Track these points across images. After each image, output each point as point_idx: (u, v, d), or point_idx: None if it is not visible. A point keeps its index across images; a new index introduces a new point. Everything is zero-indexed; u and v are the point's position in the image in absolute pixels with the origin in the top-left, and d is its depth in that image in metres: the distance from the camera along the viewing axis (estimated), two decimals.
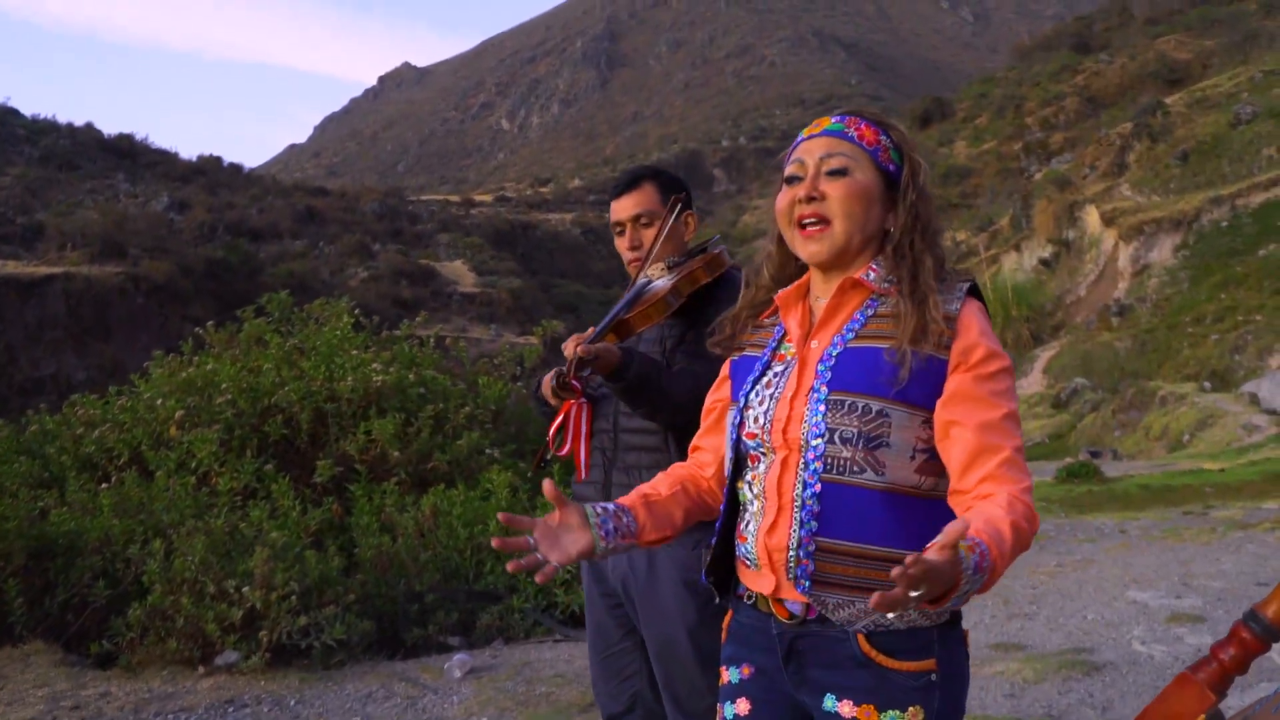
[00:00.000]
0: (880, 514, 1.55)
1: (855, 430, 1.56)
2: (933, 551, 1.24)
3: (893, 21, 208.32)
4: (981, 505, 1.48)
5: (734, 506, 1.74)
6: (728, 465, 1.74)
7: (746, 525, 1.68)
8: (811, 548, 1.56)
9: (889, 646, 1.57)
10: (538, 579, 1.63)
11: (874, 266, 1.69)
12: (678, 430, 2.42)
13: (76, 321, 40.67)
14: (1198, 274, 32.93)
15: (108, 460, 7.09)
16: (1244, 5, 58.87)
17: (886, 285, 1.66)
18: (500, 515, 1.61)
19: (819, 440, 1.57)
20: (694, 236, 2.72)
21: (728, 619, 1.80)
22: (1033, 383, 33.31)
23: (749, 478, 1.69)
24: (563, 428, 2.58)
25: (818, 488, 1.57)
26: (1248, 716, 1.49)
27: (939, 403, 1.58)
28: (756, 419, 1.67)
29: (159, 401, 7.28)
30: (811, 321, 1.72)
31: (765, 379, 1.71)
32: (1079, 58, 69.13)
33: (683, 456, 2.45)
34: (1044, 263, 40.88)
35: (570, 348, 2.33)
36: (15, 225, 48.06)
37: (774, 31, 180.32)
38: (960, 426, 1.54)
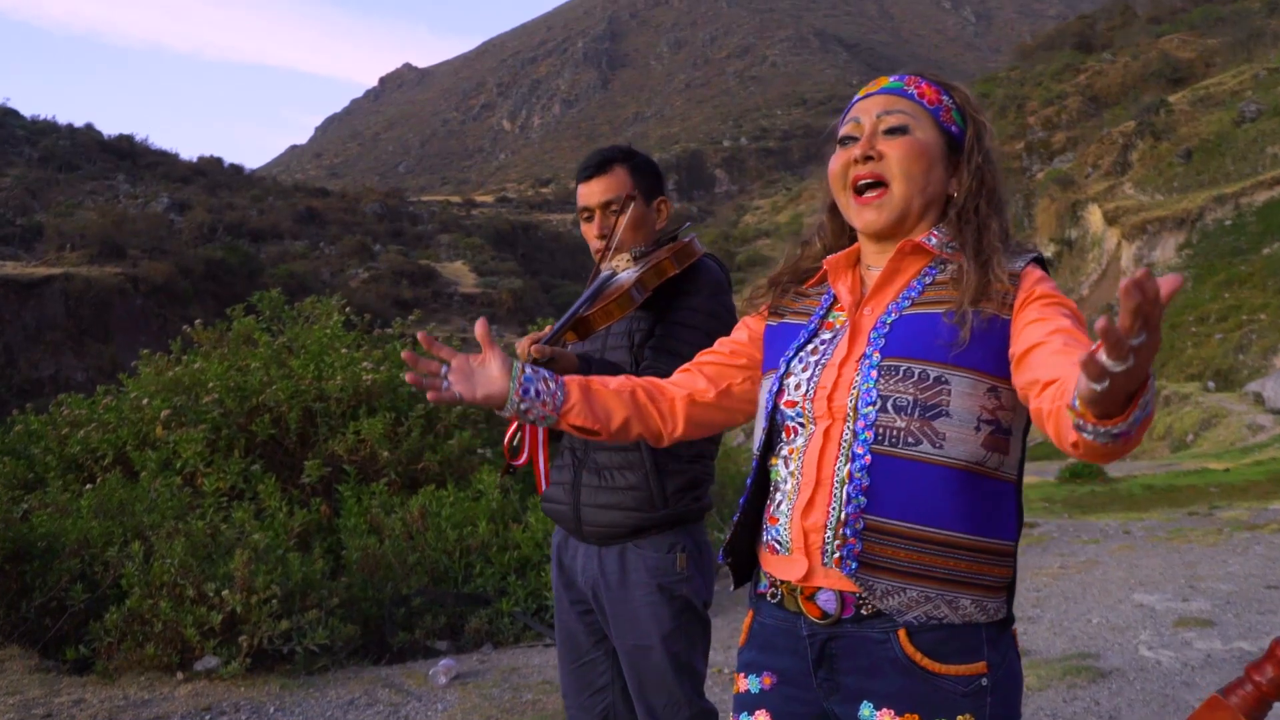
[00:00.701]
0: (937, 492, 1.40)
1: (910, 398, 1.41)
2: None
3: (895, 21, 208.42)
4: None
5: (761, 485, 1.57)
6: (758, 438, 1.57)
7: (779, 506, 1.52)
8: (860, 525, 1.40)
9: (934, 648, 1.40)
10: (429, 397, 1.51)
11: (935, 232, 1.55)
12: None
13: (76, 322, 40.62)
14: (1201, 273, 32.78)
15: (92, 461, 6.95)
16: (1247, 3, 58.71)
17: (950, 251, 1.52)
18: (420, 334, 1.54)
19: (870, 408, 1.42)
20: (666, 224, 2.51)
21: (748, 620, 1.62)
22: None
23: (785, 452, 1.53)
24: (519, 437, 2.39)
25: (867, 459, 1.41)
26: None
27: (1013, 346, 1.41)
28: (798, 385, 1.52)
29: (145, 401, 7.14)
30: (864, 290, 1.57)
31: (811, 345, 1.56)
32: (1081, 57, 69.06)
33: (656, 459, 2.31)
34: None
35: (523, 349, 2.16)
36: (15, 226, 48.02)
37: (775, 31, 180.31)
38: (1040, 332, 1.37)
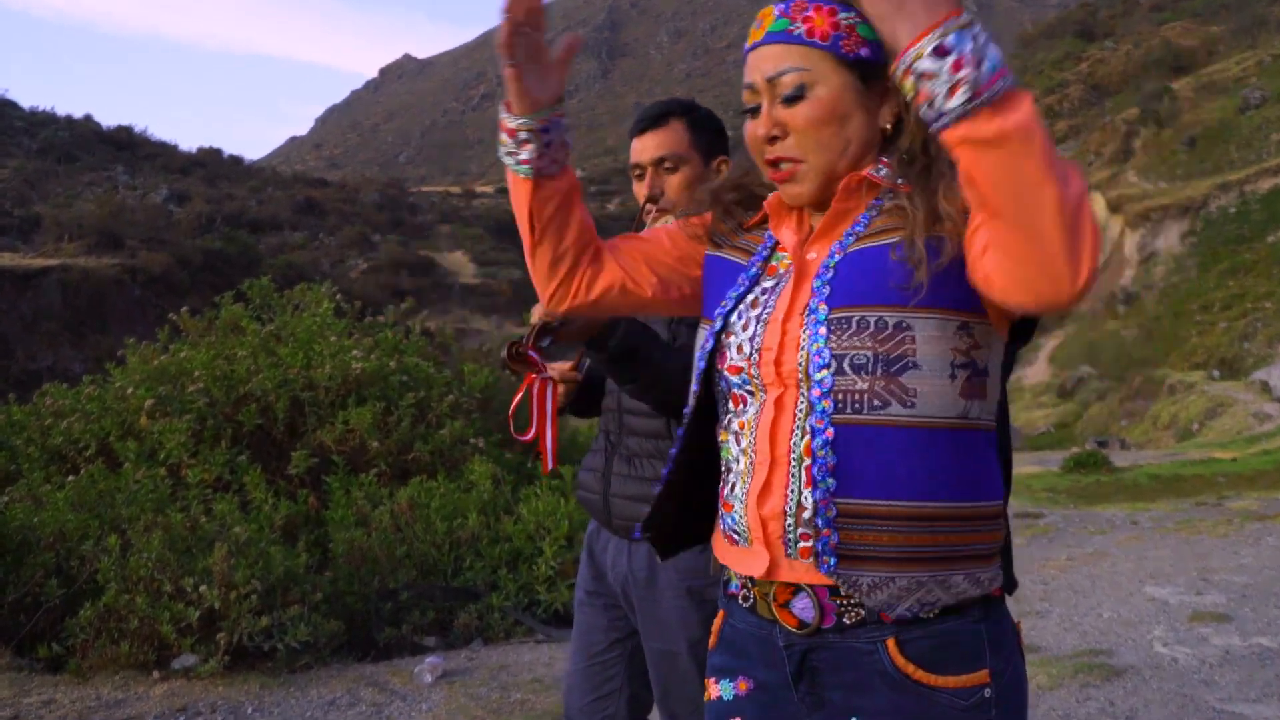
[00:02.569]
0: (915, 459, 1.20)
1: (870, 353, 1.20)
2: None
3: None
4: None
5: (696, 461, 1.37)
6: (690, 404, 1.36)
7: (731, 489, 1.31)
8: (832, 513, 1.20)
9: (928, 657, 1.21)
10: (506, 23, 1.25)
11: (884, 161, 1.32)
12: (677, 414, 2.05)
13: (74, 313, 40.43)
14: (1205, 261, 32.58)
15: (75, 452, 6.78)
16: None
17: (901, 182, 1.29)
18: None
19: (824, 372, 1.21)
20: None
21: (718, 621, 1.42)
22: (1037, 372, 33.00)
23: (735, 426, 1.32)
24: (525, 408, 2.18)
25: (829, 433, 1.20)
26: None
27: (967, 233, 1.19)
28: (740, 348, 1.31)
29: (129, 390, 6.97)
30: (812, 229, 1.36)
31: (751, 296, 1.35)
32: (1083, 45, 68.69)
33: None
34: None
35: (537, 311, 1.95)
36: (13, 217, 47.82)
37: None
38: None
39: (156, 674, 4.53)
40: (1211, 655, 4.53)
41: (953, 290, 1.21)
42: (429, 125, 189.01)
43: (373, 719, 4.12)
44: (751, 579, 1.32)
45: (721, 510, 1.35)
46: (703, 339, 1.37)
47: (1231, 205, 33.52)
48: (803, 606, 1.26)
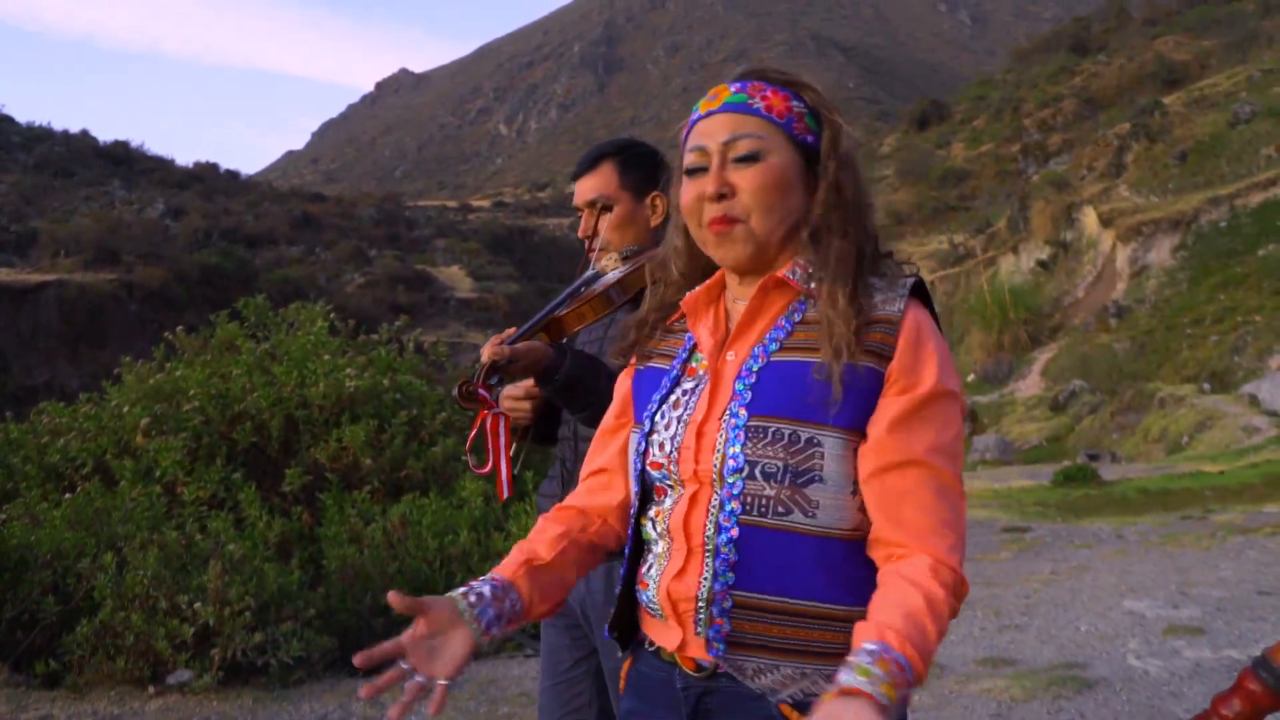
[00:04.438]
0: (810, 563, 1.29)
1: (781, 463, 1.29)
2: None
3: (890, 24, 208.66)
4: (898, 582, 1.24)
5: (638, 548, 1.47)
6: (634, 499, 1.46)
7: (649, 569, 1.41)
8: (727, 604, 1.30)
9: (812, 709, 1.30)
10: (430, 711, 1.26)
11: (798, 263, 1.40)
12: None
13: (70, 329, 40.50)
14: (1196, 275, 32.72)
15: (72, 470, 6.87)
16: (1242, 5, 58.71)
17: (814, 285, 1.38)
18: (357, 658, 1.29)
19: (737, 477, 1.30)
20: (663, 220, 2.41)
21: (626, 666, 1.52)
22: (1030, 385, 33.11)
23: (653, 513, 1.42)
24: (480, 442, 2.30)
25: (734, 532, 1.30)
26: None
27: (869, 423, 1.31)
28: (662, 445, 1.40)
29: (126, 409, 7.07)
30: (728, 328, 1.43)
31: (673, 398, 1.43)
32: (1077, 59, 69.04)
33: None
34: (1042, 264, 40.69)
35: (487, 351, 2.08)
36: (9, 233, 47.93)
37: (771, 35, 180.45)
38: (884, 459, 1.29)
39: (152, 689, 4.63)
40: (1182, 668, 4.64)
41: (864, 415, 1.30)
42: (426, 139, 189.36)
43: None
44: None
45: (638, 587, 1.44)
46: (635, 441, 1.45)
47: (1222, 219, 33.72)
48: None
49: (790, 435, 1.29)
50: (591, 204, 2.33)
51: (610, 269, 2.26)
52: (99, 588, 4.86)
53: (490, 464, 2.23)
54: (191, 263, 47.16)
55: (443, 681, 1.29)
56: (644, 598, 1.42)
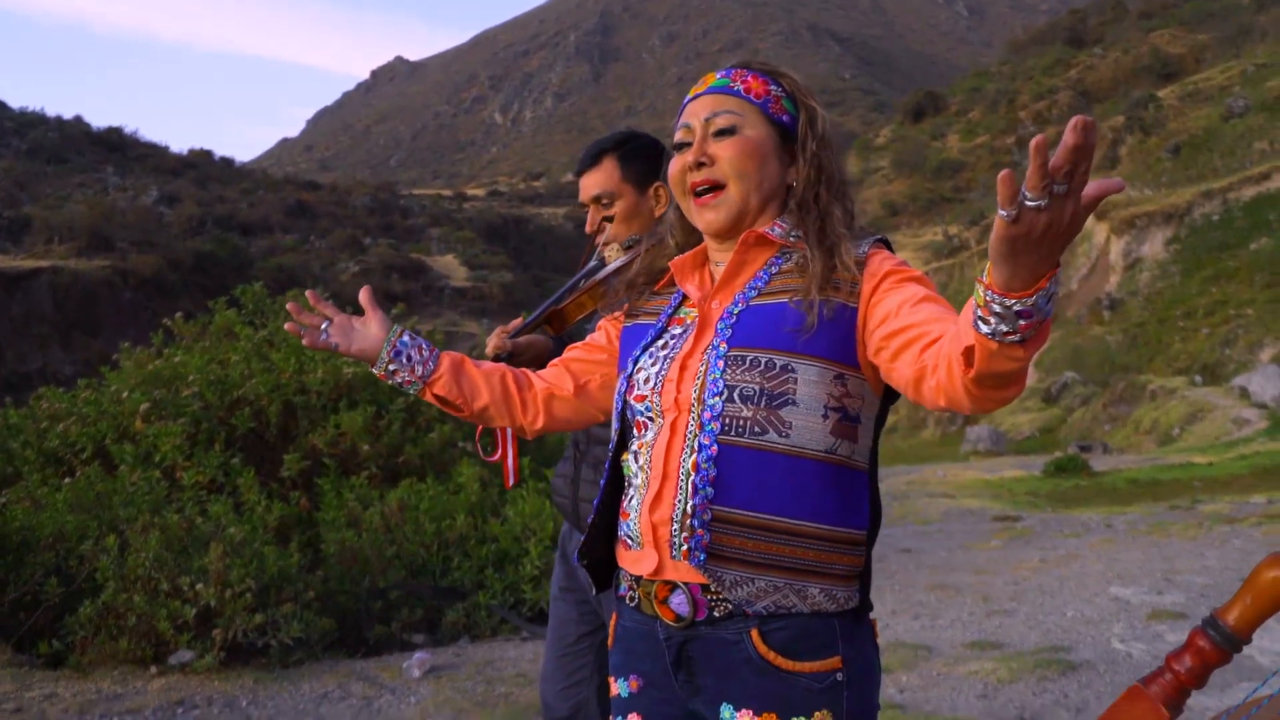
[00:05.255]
0: (784, 481, 1.40)
1: (757, 387, 1.40)
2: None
3: (887, 15, 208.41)
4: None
5: (616, 482, 1.57)
6: (613, 439, 1.57)
7: (630, 500, 1.51)
8: (707, 516, 1.39)
9: (787, 646, 1.40)
10: (304, 342, 1.64)
11: (779, 222, 1.55)
12: None
13: (63, 315, 40.49)
14: (1189, 268, 32.88)
15: (71, 454, 6.93)
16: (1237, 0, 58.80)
17: (793, 239, 1.52)
18: (309, 293, 1.64)
19: (716, 399, 1.42)
20: (666, 208, 2.48)
21: (613, 621, 1.62)
22: None
23: (634, 447, 1.53)
24: (489, 433, 2.38)
25: (714, 450, 1.40)
26: None
27: (876, 329, 1.40)
28: (647, 379, 1.52)
29: (125, 394, 7.12)
30: (712, 284, 1.57)
31: (661, 341, 1.57)
32: (1072, 51, 69.11)
33: None
34: None
35: (492, 343, 2.16)
36: (2, 219, 47.80)
37: (768, 25, 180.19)
38: (897, 299, 1.39)
39: (154, 669, 4.70)
40: (1164, 650, 4.74)
41: (835, 345, 1.42)
42: (420, 128, 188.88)
43: (363, 712, 4.30)
44: (637, 579, 1.52)
45: (620, 519, 1.54)
46: (620, 383, 1.58)
47: (1215, 213, 33.86)
48: (679, 601, 1.45)
49: (766, 362, 1.41)
50: (596, 199, 2.40)
51: (613, 259, 2.34)
52: (101, 570, 4.92)
53: (499, 452, 2.31)
54: (185, 250, 47.13)
55: (332, 341, 1.65)
56: (624, 529, 1.52)
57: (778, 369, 1.41)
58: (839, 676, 1.40)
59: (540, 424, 1.73)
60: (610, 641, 1.63)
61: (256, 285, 8.84)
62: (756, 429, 1.40)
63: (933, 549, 8.49)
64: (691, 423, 1.44)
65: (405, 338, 1.66)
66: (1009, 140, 60.42)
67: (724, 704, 1.43)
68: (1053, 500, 12.60)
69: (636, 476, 1.51)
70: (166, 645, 4.79)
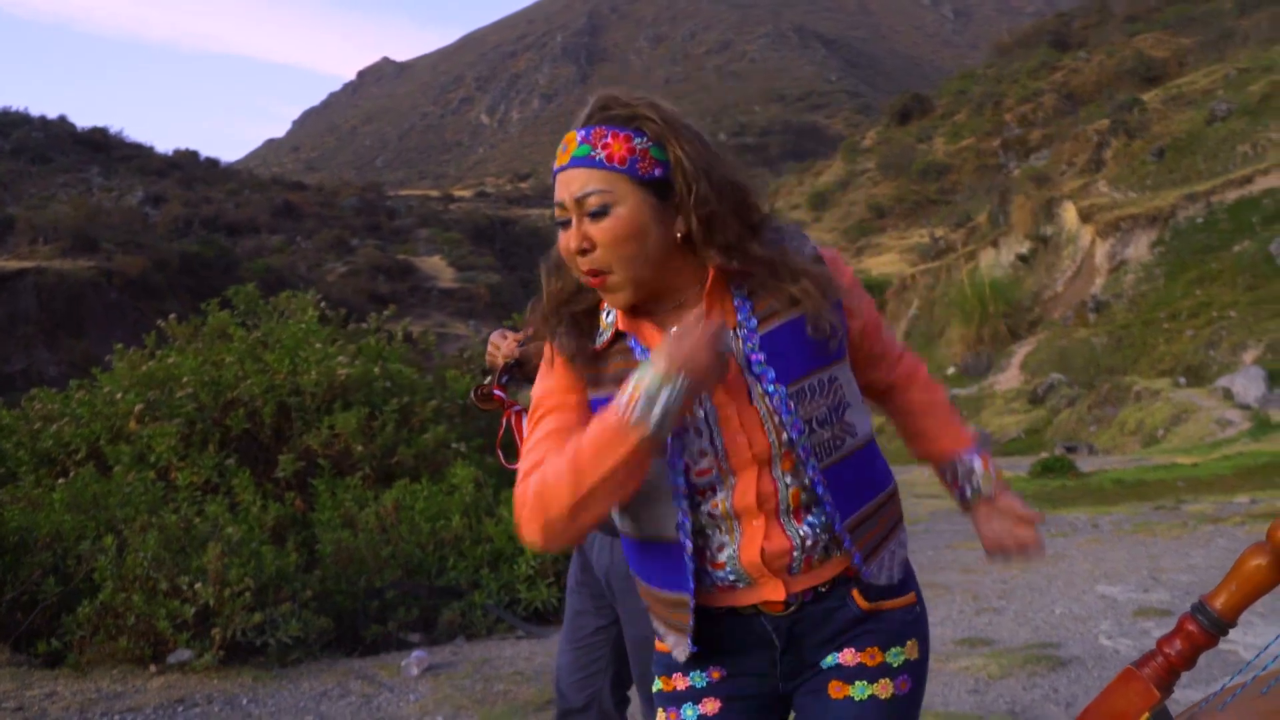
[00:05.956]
0: (867, 468, 1.57)
1: (825, 409, 1.51)
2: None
3: (874, 17, 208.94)
4: (932, 409, 1.72)
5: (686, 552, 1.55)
6: (680, 516, 1.51)
7: (719, 550, 1.51)
8: (848, 533, 1.53)
9: (879, 594, 1.57)
10: None
11: (715, 256, 1.51)
12: None
13: (49, 316, 40.29)
14: (1173, 270, 33.10)
15: (65, 455, 6.95)
16: (1220, 4, 59.25)
17: (740, 266, 1.52)
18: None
19: (805, 439, 1.49)
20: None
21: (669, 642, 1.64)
22: (1010, 378, 33.44)
23: (710, 507, 1.51)
24: (510, 440, 2.44)
25: (824, 481, 1.51)
26: (1193, 715, 1.42)
27: (853, 344, 1.63)
28: (703, 452, 1.49)
29: (118, 395, 7.15)
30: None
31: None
32: (1058, 55, 69.51)
33: None
34: (1021, 259, 41.03)
35: (507, 348, 2.22)
36: None
37: (754, 27, 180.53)
38: (872, 347, 1.67)
39: (153, 668, 4.74)
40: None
41: (842, 343, 1.57)
42: (407, 129, 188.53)
43: (363, 709, 4.34)
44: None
45: (710, 569, 1.52)
46: (668, 461, 1.48)
47: (1199, 216, 34.10)
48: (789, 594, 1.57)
49: (819, 383, 1.51)
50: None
51: None
52: (100, 569, 4.95)
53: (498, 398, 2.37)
54: (171, 251, 46.97)
55: None
56: (719, 576, 1.53)
57: (827, 383, 1.52)
58: (917, 609, 1.63)
59: None
60: (665, 648, 1.66)
61: (249, 286, 8.87)
62: (837, 442, 1.52)
63: (921, 548, 8.57)
64: (776, 465, 1.49)
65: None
66: (994, 143, 60.73)
67: (827, 656, 1.57)
68: (1040, 500, 12.70)
69: (716, 530, 1.52)
70: (165, 644, 4.83)
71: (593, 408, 1.55)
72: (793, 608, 1.54)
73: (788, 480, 1.49)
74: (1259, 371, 23.26)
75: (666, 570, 1.55)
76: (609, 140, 1.48)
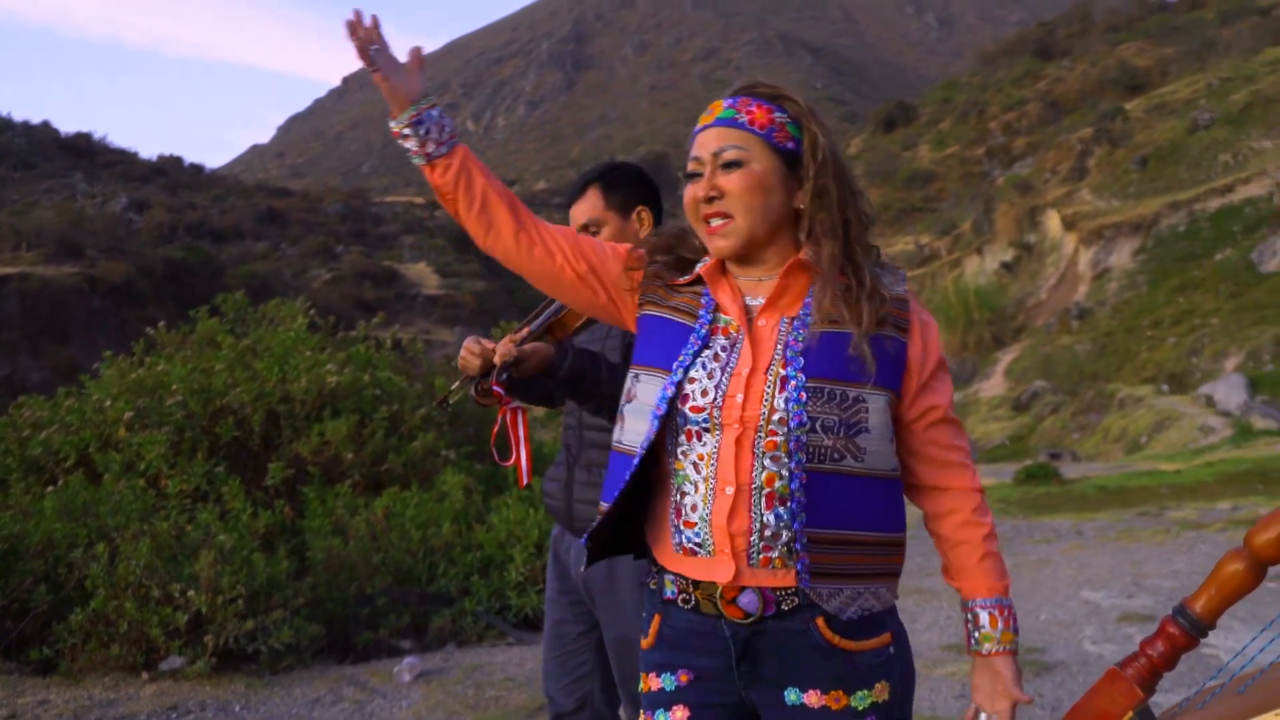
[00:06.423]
0: (861, 499, 1.56)
1: (836, 418, 1.54)
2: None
3: (859, 25, 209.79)
4: (964, 545, 1.67)
5: (642, 482, 1.64)
6: (645, 436, 1.62)
7: (692, 509, 1.58)
8: (805, 539, 1.53)
9: (848, 629, 1.57)
10: (355, 47, 1.67)
11: (807, 246, 1.65)
12: None
13: (32, 322, 40.04)
14: (1156, 278, 33.39)
15: (54, 463, 6.95)
16: (1202, 14, 59.78)
17: (826, 265, 1.63)
18: (372, 15, 1.68)
19: (801, 430, 1.53)
20: (650, 231, 2.63)
21: (655, 624, 1.69)
22: (994, 385, 33.61)
23: (693, 457, 1.59)
24: (504, 436, 2.50)
25: (804, 478, 1.53)
26: (1174, 714, 1.47)
27: (908, 402, 1.64)
28: (705, 392, 1.59)
29: (108, 403, 7.15)
30: (745, 300, 1.66)
31: (710, 351, 1.63)
32: (1041, 63, 69.88)
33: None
34: (1005, 266, 41.28)
35: (503, 348, 2.28)
36: None
37: (740, 35, 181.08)
38: (915, 414, 1.65)
39: (145, 675, 4.76)
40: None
41: (891, 376, 1.60)
42: (392, 136, 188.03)
43: (355, 715, 4.37)
44: (695, 583, 1.61)
45: (681, 527, 1.60)
46: (659, 384, 1.62)
47: (1181, 224, 34.43)
48: (748, 600, 1.57)
49: (841, 394, 1.55)
50: (584, 228, 2.55)
51: None
52: (92, 577, 4.96)
53: (514, 456, 2.43)
54: (155, 257, 46.73)
55: (379, 69, 1.69)
56: (687, 536, 1.60)
57: (851, 400, 1.55)
58: (890, 650, 1.61)
59: (523, 250, 1.75)
60: (649, 641, 1.70)
61: (238, 294, 8.89)
62: (837, 455, 1.54)
63: (909, 554, 8.57)
64: (760, 441, 1.54)
65: (435, 111, 1.71)
66: (979, 151, 61.00)
67: (788, 689, 1.57)
68: (1024, 507, 12.80)
69: (696, 486, 1.59)
70: (157, 651, 4.85)
71: (645, 321, 1.73)
72: (752, 619, 1.57)
73: (766, 462, 1.53)
74: (1240, 379, 23.48)
75: (612, 484, 1.66)
76: (753, 109, 1.65)
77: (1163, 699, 1.68)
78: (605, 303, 1.79)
